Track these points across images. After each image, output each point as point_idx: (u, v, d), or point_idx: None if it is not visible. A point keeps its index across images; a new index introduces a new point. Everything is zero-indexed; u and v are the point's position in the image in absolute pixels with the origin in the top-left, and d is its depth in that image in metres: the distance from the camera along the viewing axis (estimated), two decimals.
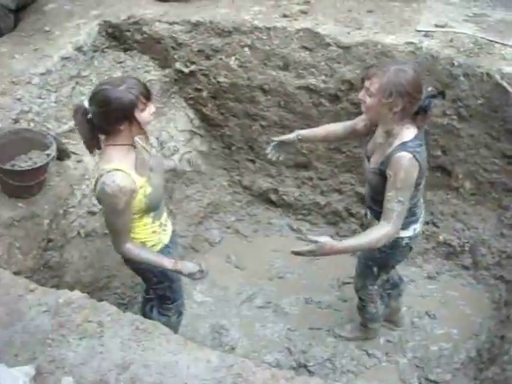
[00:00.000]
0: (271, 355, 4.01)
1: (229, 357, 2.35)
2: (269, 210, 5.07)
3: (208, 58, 4.59)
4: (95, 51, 4.70)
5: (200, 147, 4.90)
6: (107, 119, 2.67)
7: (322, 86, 4.32)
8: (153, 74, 4.71)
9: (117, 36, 4.80)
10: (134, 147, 2.84)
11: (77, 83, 4.47)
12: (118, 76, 4.41)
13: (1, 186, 3.63)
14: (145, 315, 3.47)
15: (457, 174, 4.33)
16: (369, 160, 3.09)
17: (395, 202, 2.81)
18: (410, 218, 3.10)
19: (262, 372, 2.27)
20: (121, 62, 4.76)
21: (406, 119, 2.85)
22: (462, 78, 3.94)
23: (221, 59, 4.54)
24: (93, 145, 2.84)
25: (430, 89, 2.92)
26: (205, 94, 4.72)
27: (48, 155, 3.62)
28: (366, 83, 2.78)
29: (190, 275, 2.98)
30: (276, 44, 4.32)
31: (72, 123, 4.12)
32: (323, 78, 4.29)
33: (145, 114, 2.71)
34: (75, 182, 3.90)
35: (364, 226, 3.49)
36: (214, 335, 4.16)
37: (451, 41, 4.08)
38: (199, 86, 4.71)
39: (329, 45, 4.20)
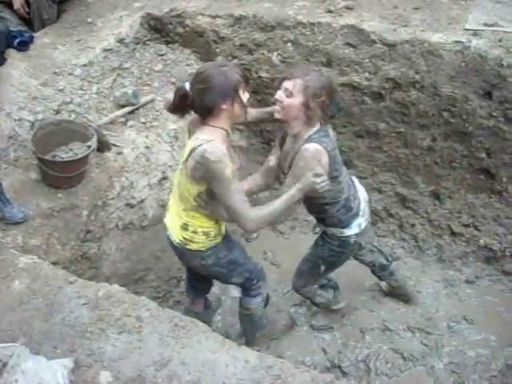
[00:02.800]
0: (305, 354, 3.96)
1: (268, 357, 2.32)
2: None
3: (250, 52, 4.55)
4: (137, 43, 4.71)
5: (239, 142, 4.87)
6: (212, 95, 2.64)
7: (366, 83, 4.25)
8: (194, 68, 4.68)
9: (159, 29, 4.80)
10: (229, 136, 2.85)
11: (118, 75, 4.49)
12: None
13: (41, 176, 3.66)
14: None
15: (501, 178, 4.22)
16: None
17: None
18: (347, 214, 3.19)
19: (301, 374, 2.23)
20: (162, 55, 4.76)
21: (315, 122, 2.91)
22: (510, 80, 3.84)
23: (263, 54, 4.50)
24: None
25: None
26: None
27: (89, 147, 3.64)
28: (287, 84, 2.83)
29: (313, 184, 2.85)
30: (320, 40, 4.27)
31: (113, 115, 4.15)
32: (367, 75, 4.22)
33: (245, 96, 2.73)
34: (115, 174, 3.91)
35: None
36: None
37: (500, 40, 3.97)
38: None
39: (374, 42, 4.13)
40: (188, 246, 3.01)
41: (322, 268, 3.50)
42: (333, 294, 3.96)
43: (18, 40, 4.26)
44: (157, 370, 2.22)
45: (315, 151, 2.84)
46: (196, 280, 3.52)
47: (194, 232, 2.96)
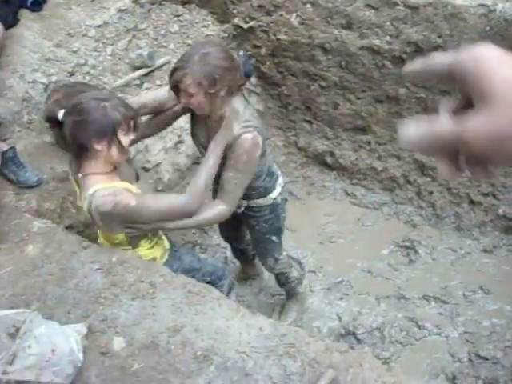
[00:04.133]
0: (320, 321, 3.97)
1: (282, 325, 2.30)
2: (323, 172, 4.95)
3: (268, 13, 4.44)
4: (153, 4, 4.61)
5: (256, 106, 4.79)
6: (86, 131, 2.29)
7: (387, 47, 4.13)
8: (211, 29, 4.60)
9: None
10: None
11: (133, 36, 4.41)
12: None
13: (55, 139, 3.62)
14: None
15: None
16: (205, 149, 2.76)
17: (234, 185, 2.67)
18: (272, 179, 3.07)
19: (316, 343, 2.21)
20: (178, 16, 4.66)
21: (234, 94, 2.62)
22: None
23: (281, 15, 4.38)
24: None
25: (240, 53, 2.70)
26: (263, 51, 4.58)
27: None
28: (181, 86, 2.47)
29: None
30: (340, 1, 4.14)
31: (128, 77, 4.09)
32: (388, 38, 4.10)
33: (126, 139, 2.37)
34: None
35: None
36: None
37: None
38: (258, 43, 4.57)
39: (396, 4, 3.99)
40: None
41: (274, 238, 3.35)
42: (300, 269, 3.83)
43: (31, 0, 4.19)
44: (170, 337, 2.21)
45: (252, 142, 2.62)
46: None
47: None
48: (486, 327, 3.89)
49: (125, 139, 2.36)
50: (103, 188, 2.36)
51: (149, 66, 4.19)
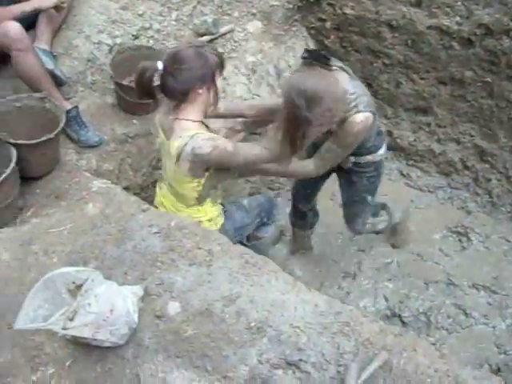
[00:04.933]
0: (367, 300, 3.96)
1: (337, 303, 2.29)
2: None
3: None
4: None
5: None
6: (189, 77, 2.53)
7: (456, 27, 3.99)
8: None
9: None
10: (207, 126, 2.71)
11: (198, 2, 4.39)
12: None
13: (118, 101, 3.66)
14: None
15: None
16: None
17: (331, 155, 2.92)
18: (380, 137, 3.18)
19: (370, 324, 2.19)
20: None
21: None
22: None
23: None
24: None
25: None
26: (328, 24, 4.48)
27: None
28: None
29: None
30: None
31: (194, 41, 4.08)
32: (458, 19, 3.96)
33: (219, 83, 2.65)
34: None
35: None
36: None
37: None
38: (323, 16, 4.47)
39: None
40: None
41: (369, 198, 3.48)
42: (386, 214, 3.98)
43: None
44: (225, 306, 2.22)
45: (364, 123, 2.79)
46: None
47: (200, 222, 2.86)
48: None
49: (218, 83, 2.65)
50: (202, 133, 2.60)
51: (213, 33, 4.17)
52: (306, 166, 2.98)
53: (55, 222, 2.71)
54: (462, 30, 4.00)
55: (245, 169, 2.96)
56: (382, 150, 3.23)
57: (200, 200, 2.85)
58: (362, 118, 2.74)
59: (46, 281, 1.92)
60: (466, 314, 3.87)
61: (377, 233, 4.03)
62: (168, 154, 2.75)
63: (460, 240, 4.32)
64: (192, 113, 2.63)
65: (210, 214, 2.93)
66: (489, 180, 4.45)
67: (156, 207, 2.99)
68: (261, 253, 2.56)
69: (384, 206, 4.01)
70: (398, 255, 4.21)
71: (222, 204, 3.08)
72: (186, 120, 2.63)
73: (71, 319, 1.90)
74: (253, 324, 2.16)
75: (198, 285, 2.30)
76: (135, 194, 3.38)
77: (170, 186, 2.88)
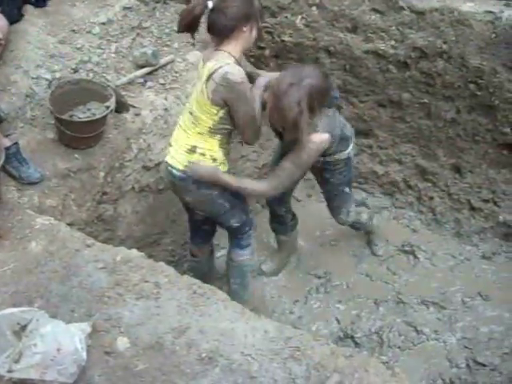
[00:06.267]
0: (319, 323, 3.98)
1: (287, 328, 2.30)
2: None
3: (273, 15, 4.42)
4: (157, 2, 4.59)
5: None
6: (236, 14, 2.77)
7: (391, 51, 4.12)
8: None
9: None
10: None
11: (137, 34, 4.39)
12: None
13: (58, 136, 3.60)
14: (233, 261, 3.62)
15: None
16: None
17: (285, 175, 3.10)
18: (347, 141, 3.39)
19: (321, 347, 2.21)
20: None
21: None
22: None
23: (286, 17, 4.36)
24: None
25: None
26: (268, 52, 4.56)
27: (107, 107, 3.57)
28: None
29: None
30: (346, 5, 4.13)
31: (132, 75, 4.07)
32: (393, 43, 4.09)
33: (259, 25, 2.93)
34: (132, 136, 3.83)
35: None
36: None
37: None
38: (262, 44, 4.55)
39: (402, 9, 3.98)
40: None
41: (346, 189, 3.69)
42: (366, 210, 4.19)
43: None
44: (175, 338, 2.21)
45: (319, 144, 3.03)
46: (201, 223, 3.58)
47: (202, 154, 3.05)
48: (485, 333, 3.89)
49: (259, 24, 2.92)
50: (238, 66, 2.84)
51: (153, 65, 4.17)
52: (260, 184, 3.20)
53: None
54: (397, 53, 4.13)
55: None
56: (349, 149, 3.44)
57: (212, 132, 3.00)
58: (317, 138, 2.93)
59: None
60: (417, 331, 3.92)
61: (359, 228, 4.21)
62: (200, 76, 2.94)
63: (407, 258, 4.39)
64: (233, 48, 2.86)
65: (216, 153, 3.08)
66: (432, 198, 4.56)
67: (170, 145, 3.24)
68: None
69: (364, 203, 4.28)
70: (347, 276, 4.25)
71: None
72: (225, 51, 2.85)
73: (17, 361, 1.86)
74: (204, 355, 2.16)
75: (146, 318, 2.28)
76: (80, 229, 3.31)
77: (191, 112, 3.05)
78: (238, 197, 3.24)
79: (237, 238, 3.52)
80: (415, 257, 4.36)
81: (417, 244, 4.42)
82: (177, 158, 3.12)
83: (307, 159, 3.05)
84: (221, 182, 3.04)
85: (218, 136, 3.03)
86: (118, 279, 2.43)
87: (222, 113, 2.91)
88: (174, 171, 3.12)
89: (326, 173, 3.53)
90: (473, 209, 4.43)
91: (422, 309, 4.06)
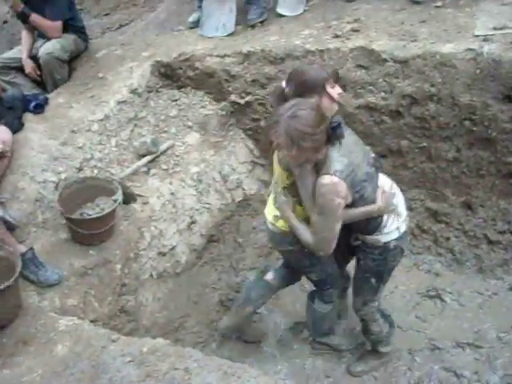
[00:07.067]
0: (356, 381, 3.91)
1: None
2: None
3: (263, 86, 4.55)
4: (150, 92, 4.75)
5: (262, 176, 4.84)
6: (303, 88, 2.91)
7: (382, 103, 4.21)
8: (209, 109, 4.71)
9: (169, 74, 4.84)
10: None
11: (135, 125, 4.52)
12: None
13: (71, 235, 3.67)
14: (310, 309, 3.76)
15: None
16: None
17: (317, 226, 2.98)
18: (379, 218, 3.14)
19: None
20: (176, 100, 4.79)
21: (322, 148, 2.82)
22: None
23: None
24: None
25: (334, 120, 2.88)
26: (263, 123, 4.68)
27: (115, 201, 3.65)
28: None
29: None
30: (330, 65, 4.24)
31: (135, 166, 4.16)
32: (382, 94, 4.19)
33: (334, 91, 2.99)
34: (143, 225, 3.90)
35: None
36: None
37: None
38: (256, 116, 4.67)
39: (385, 60, 4.09)
40: (277, 224, 3.24)
41: (373, 280, 3.41)
42: (387, 329, 3.78)
43: (33, 104, 4.31)
44: None
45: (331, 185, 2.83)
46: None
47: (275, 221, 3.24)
48: None
49: (334, 91, 2.99)
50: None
51: (153, 152, 4.27)
52: (308, 237, 3.03)
53: (26, 370, 2.65)
54: (388, 103, 4.21)
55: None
56: (389, 236, 3.20)
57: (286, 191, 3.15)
58: (327, 180, 2.79)
59: None
60: (457, 375, 3.82)
61: (366, 330, 3.79)
62: None
63: (434, 303, 4.32)
64: None
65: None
66: (448, 239, 4.53)
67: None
68: None
69: (392, 325, 3.85)
70: None
71: None
72: None
73: None
74: None
75: None
76: (104, 324, 3.33)
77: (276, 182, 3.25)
78: (316, 257, 3.22)
79: (318, 291, 3.67)
80: (442, 300, 4.30)
81: (441, 287, 4.36)
82: (269, 209, 3.35)
83: (324, 203, 2.85)
84: (284, 215, 3.14)
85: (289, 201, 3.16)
86: (148, 371, 2.42)
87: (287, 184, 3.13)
88: (267, 222, 3.38)
89: (360, 253, 3.38)
90: (491, 242, 4.39)
91: (458, 352, 3.96)
